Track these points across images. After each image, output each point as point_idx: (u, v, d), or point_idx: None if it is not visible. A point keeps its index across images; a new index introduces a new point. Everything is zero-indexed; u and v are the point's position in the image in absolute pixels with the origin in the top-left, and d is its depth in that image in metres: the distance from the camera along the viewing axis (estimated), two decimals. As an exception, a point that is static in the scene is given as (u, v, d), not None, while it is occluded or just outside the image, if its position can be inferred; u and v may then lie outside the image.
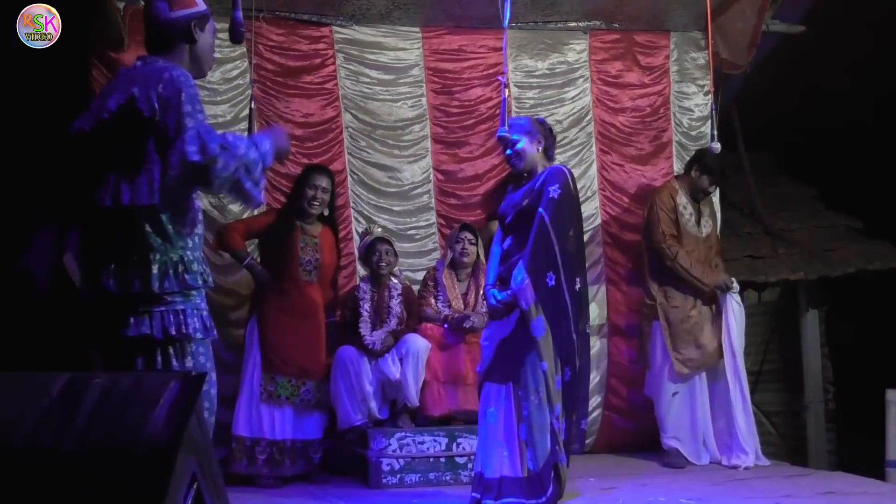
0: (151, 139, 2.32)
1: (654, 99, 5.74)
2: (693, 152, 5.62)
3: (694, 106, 5.80)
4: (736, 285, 4.99)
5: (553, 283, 3.53)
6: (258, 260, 4.74)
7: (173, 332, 2.33)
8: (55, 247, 2.44)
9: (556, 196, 3.57)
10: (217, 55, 5.10)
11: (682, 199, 5.07)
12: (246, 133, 4.47)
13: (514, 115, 5.51)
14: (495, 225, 4.18)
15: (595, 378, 5.29)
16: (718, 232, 5.37)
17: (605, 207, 5.62)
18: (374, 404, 4.59)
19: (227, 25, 2.87)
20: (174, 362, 2.35)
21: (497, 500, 3.51)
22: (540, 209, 3.57)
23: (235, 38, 2.85)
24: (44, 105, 4.75)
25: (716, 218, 5.34)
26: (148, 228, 2.32)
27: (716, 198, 5.56)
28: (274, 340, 4.52)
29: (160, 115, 2.31)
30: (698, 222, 5.10)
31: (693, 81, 5.80)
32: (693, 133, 5.75)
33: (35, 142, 4.72)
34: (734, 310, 4.90)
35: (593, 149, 5.65)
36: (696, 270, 4.91)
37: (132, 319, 2.32)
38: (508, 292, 3.62)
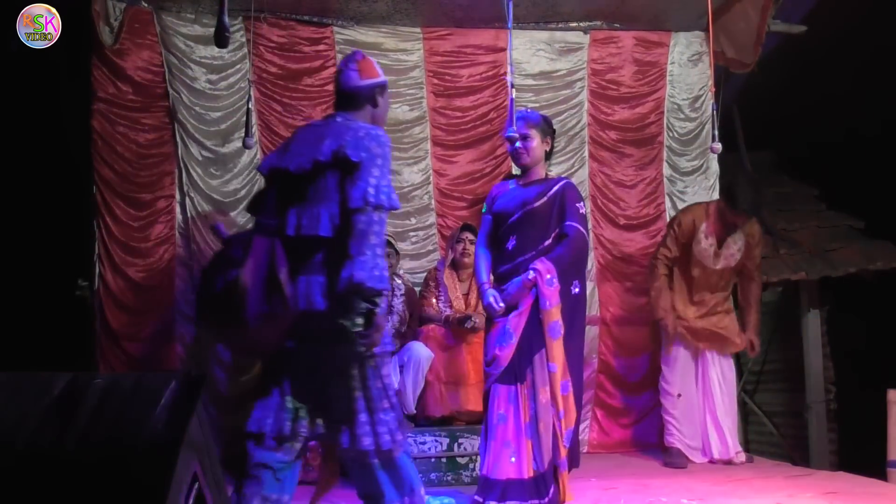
0: (337, 178, 2.66)
1: (649, 102, 5.71)
2: (684, 156, 5.59)
3: (689, 109, 5.76)
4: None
5: (577, 291, 3.68)
6: None
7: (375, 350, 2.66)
8: (267, 262, 2.71)
9: (583, 212, 3.78)
10: (219, 58, 5.16)
11: (705, 227, 4.78)
12: (243, 133, 4.48)
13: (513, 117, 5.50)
14: None
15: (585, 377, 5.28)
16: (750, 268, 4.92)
17: (595, 213, 5.58)
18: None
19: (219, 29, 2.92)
20: (370, 376, 2.69)
21: (500, 503, 3.50)
22: (573, 222, 3.69)
23: (221, 42, 2.96)
24: (44, 105, 4.76)
25: (747, 252, 4.83)
26: (327, 252, 2.66)
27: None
28: None
29: (364, 160, 2.64)
30: (716, 255, 4.81)
31: (691, 83, 5.77)
32: (686, 137, 5.73)
33: (34, 141, 4.73)
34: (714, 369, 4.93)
35: (586, 153, 5.64)
36: (659, 302, 4.86)
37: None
38: (510, 291, 3.64)
